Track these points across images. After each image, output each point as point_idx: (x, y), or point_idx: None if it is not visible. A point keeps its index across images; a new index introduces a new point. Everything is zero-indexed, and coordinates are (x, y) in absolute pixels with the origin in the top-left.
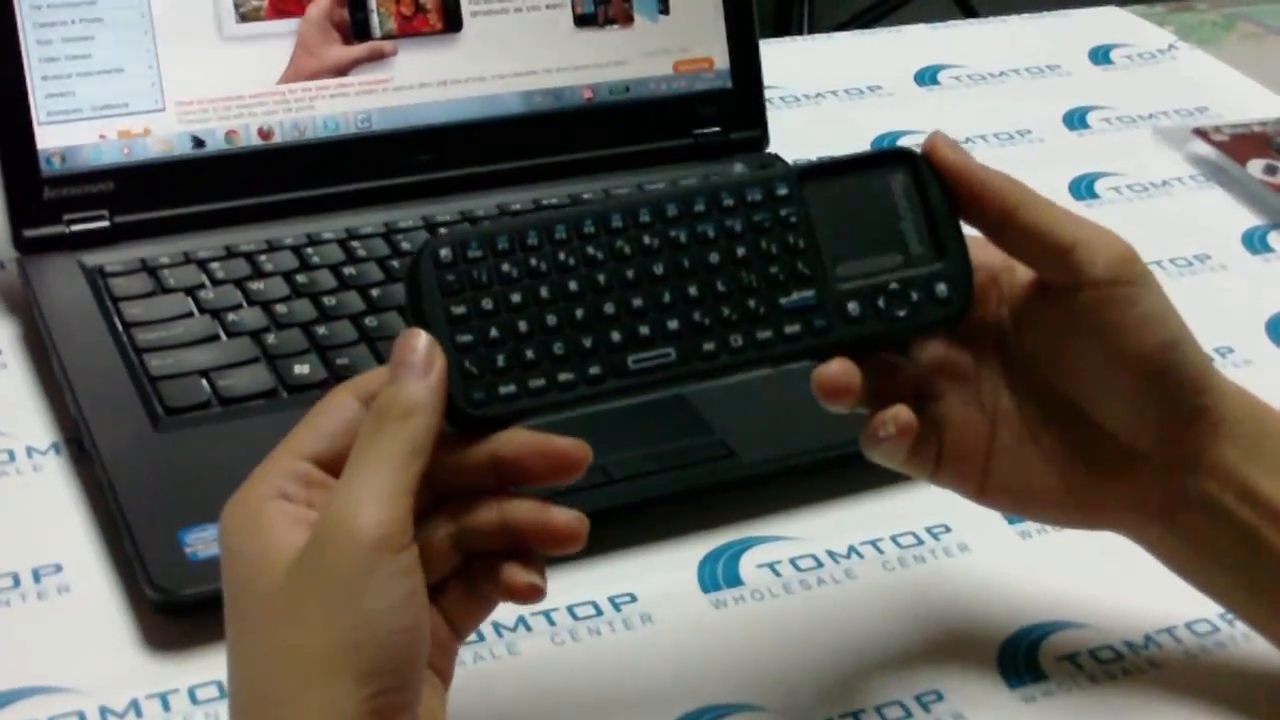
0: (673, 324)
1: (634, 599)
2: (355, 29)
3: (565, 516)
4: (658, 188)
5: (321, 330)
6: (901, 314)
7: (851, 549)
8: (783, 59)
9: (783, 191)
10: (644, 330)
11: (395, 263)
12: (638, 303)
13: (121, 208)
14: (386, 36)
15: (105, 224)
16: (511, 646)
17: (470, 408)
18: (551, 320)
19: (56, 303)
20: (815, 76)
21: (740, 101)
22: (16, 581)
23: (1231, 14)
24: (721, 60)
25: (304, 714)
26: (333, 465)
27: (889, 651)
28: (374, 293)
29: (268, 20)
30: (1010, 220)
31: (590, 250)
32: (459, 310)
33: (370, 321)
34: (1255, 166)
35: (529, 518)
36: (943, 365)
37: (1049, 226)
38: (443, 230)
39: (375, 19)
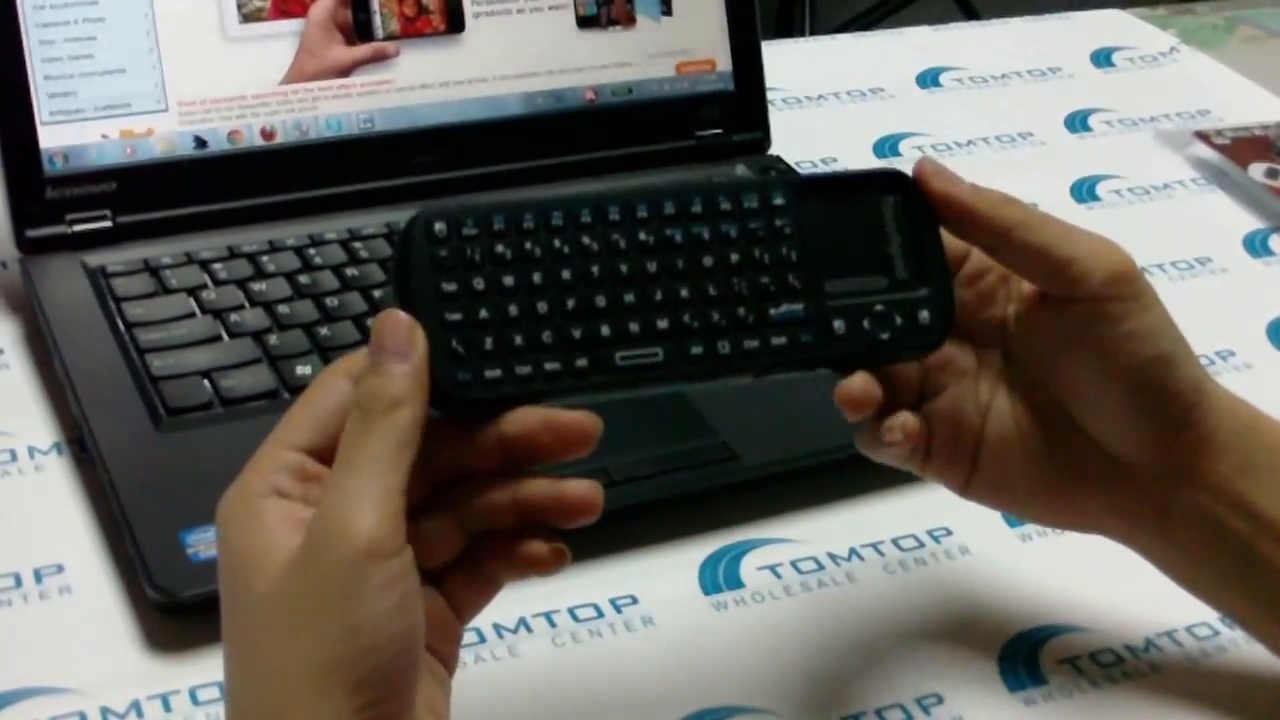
0: (662, 324)
1: (635, 601)
2: (358, 30)
3: (580, 486)
4: (656, 182)
5: (324, 331)
6: (884, 337)
7: (853, 551)
8: (785, 61)
9: (779, 202)
10: (634, 327)
11: None
12: (629, 299)
13: (124, 208)
14: (389, 37)
15: (108, 224)
16: (512, 648)
17: (453, 388)
18: (542, 308)
19: (58, 303)
20: (817, 78)
21: (742, 103)
22: (18, 581)
23: (1233, 17)
24: (724, 62)
25: None
26: (327, 453)
27: (890, 654)
28: (376, 294)
29: (270, 21)
30: (1006, 241)
31: (585, 240)
32: (449, 288)
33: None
34: (1257, 170)
35: (542, 493)
36: (946, 363)
37: (1045, 244)
38: (437, 203)
39: (378, 20)
